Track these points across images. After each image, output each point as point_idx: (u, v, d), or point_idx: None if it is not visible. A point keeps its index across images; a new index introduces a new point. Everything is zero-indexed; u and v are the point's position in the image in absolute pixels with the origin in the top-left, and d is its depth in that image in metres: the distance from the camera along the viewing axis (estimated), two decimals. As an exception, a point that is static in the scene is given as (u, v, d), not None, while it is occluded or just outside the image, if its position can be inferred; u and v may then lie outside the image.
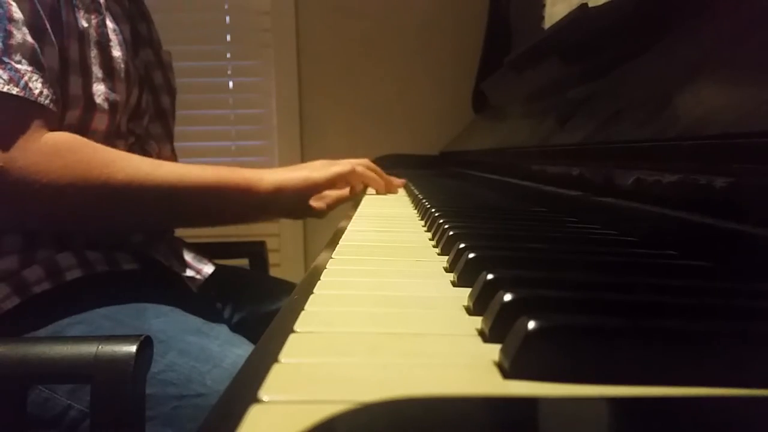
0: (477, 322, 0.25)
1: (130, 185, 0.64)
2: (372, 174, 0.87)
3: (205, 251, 0.88)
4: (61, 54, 0.65)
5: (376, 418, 0.16)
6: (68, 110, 0.66)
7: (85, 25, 0.68)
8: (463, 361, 0.21)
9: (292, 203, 0.81)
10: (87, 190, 0.62)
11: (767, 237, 0.29)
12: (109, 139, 0.71)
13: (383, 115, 1.79)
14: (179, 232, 0.93)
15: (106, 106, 0.70)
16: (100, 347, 0.44)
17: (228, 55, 1.80)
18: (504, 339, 0.21)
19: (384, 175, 0.91)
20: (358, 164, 0.85)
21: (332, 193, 0.89)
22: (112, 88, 0.71)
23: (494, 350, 0.21)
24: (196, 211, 0.73)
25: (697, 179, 0.35)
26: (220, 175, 0.72)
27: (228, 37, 1.80)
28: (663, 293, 0.27)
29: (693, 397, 0.18)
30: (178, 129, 0.93)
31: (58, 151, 0.61)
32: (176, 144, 0.93)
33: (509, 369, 0.19)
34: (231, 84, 1.82)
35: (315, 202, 0.85)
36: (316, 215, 0.89)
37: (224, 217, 0.82)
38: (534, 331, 0.19)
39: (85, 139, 0.65)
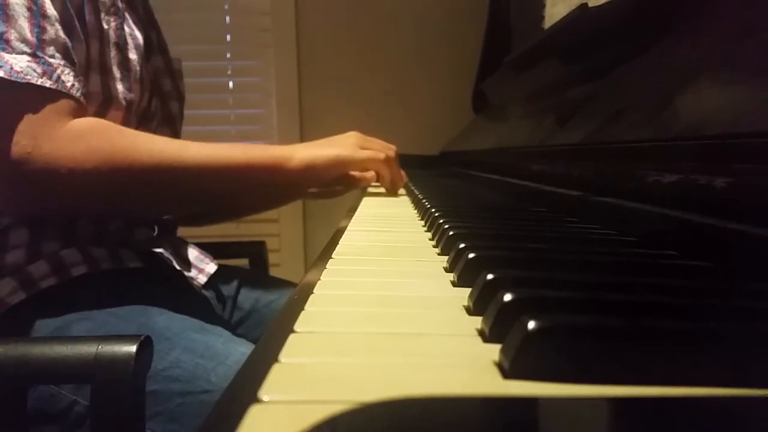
0: (477, 322, 0.25)
1: (157, 167, 0.64)
2: (396, 173, 0.86)
3: (205, 251, 0.88)
4: (84, 52, 0.67)
5: (376, 418, 0.16)
6: (87, 106, 0.67)
7: (106, 26, 0.70)
8: (463, 361, 0.21)
9: (323, 181, 0.81)
10: (112, 173, 0.62)
11: (767, 237, 0.29)
12: None
13: (383, 115, 1.78)
14: (182, 232, 0.93)
15: (123, 104, 0.71)
16: (100, 347, 0.44)
17: (228, 55, 1.80)
18: (504, 339, 0.21)
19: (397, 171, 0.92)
20: (388, 155, 0.84)
21: (365, 175, 0.89)
22: (128, 88, 0.72)
23: (494, 350, 0.21)
24: (225, 191, 0.73)
25: (697, 179, 0.35)
26: (249, 154, 0.71)
27: (228, 37, 1.80)
28: (663, 293, 0.27)
29: (693, 397, 0.18)
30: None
31: (83, 135, 0.62)
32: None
33: (509, 369, 0.19)
34: (231, 84, 1.82)
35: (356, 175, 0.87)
36: (347, 189, 0.90)
37: (254, 197, 0.81)
38: (534, 331, 0.19)
39: (110, 123, 0.66)
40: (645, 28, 0.59)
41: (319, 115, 1.79)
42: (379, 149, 0.83)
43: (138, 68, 0.74)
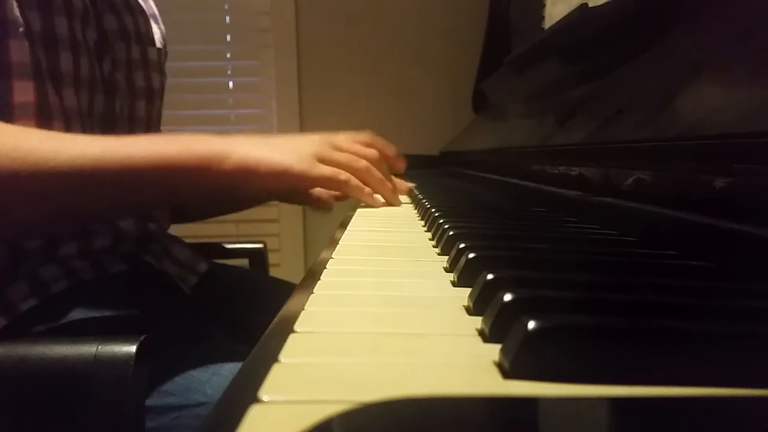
0: (477, 322, 0.25)
1: (17, 172, 0.51)
2: (378, 183, 0.70)
3: (204, 252, 0.87)
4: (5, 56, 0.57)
5: (376, 418, 0.16)
6: (12, 122, 0.57)
7: (38, 27, 0.60)
8: (463, 361, 0.21)
9: (269, 189, 0.68)
10: None
11: (767, 237, 0.29)
12: None
13: (383, 114, 1.79)
14: (181, 232, 0.92)
15: (65, 113, 0.61)
16: (100, 347, 0.44)
17: (228, 55, 1.80)
18: (504, 339, 0.21)
19: (387, 175, 0.74)
20: (357, 167, 0.67)
21: (322, 196, 0.76)
22: (65, 93, 0.62)
23: (494, 350, 0.21)
24: (123, 200, 0.59)
25: (697, 179, 0.35)
26: (161, 150, 0.56)
27: (228, 37, 1.80)
28: (663, 293, 0.27)
29: (693, 397, 0.18)
30: (178, 129, 0.92)
31: None
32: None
33: (509, 369, 0.19)
34: (231, 84, 1.82)
35: (316, 192, 0.74)
36: (317, 208, 0.77)
37: (179, 201, 0.69)
38: (534, 331, 0.19)
39: None
40: (645, 28, 0.59)
41: (319, 115, 1.79)
42: (347, 162, 0.65)
43: (81, 71, 0.64)
